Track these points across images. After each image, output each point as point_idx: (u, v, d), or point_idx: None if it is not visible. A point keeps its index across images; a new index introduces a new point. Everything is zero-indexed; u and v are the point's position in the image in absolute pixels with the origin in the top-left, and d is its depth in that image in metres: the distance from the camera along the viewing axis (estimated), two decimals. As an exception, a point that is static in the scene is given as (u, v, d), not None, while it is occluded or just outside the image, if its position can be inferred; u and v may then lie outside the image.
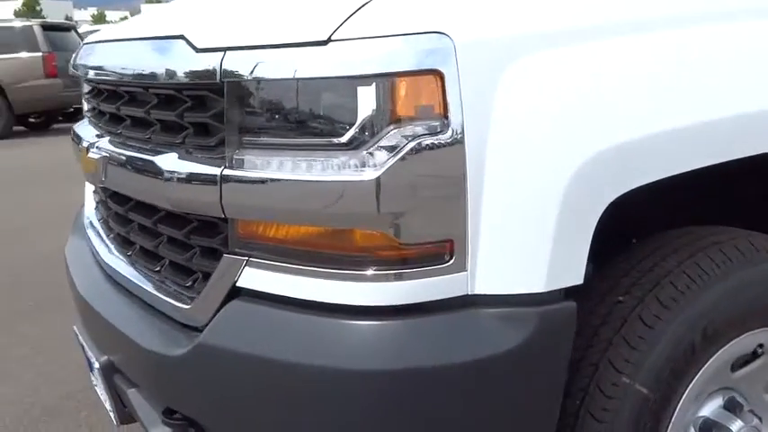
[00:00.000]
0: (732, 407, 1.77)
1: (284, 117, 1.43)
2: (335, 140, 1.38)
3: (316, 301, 1.44)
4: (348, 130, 1.37)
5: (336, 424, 1.41)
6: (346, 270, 1.41)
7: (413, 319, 1.39)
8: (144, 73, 1.73)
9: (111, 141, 1.96)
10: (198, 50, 1.56)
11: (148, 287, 1.81)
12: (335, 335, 1.41)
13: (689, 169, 1.49)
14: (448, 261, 1.39)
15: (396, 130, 1.35)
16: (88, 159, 2.00)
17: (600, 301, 1.66)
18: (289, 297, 1.47)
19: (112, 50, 1.95)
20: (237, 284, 1.53)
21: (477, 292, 1.40)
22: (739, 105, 1.53)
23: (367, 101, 1.35)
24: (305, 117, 1.41)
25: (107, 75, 1.90)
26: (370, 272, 1.40)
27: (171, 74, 1.63)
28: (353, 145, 1.37)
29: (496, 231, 1.39)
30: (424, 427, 1.40)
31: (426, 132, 1.34)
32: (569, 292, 1.45)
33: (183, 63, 1.59)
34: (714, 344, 1.64)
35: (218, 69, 1.49)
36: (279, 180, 1.43)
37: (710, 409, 1.77)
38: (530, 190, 1.38)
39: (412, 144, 1.34)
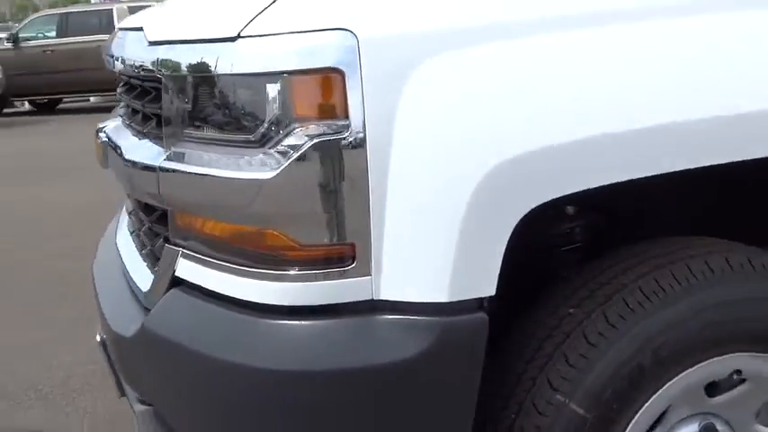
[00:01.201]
0: (709, 436, 1.64)
1: (207, 113, 1.45)
2: (248, 138, 1.38)
3: (232, 297, 1.45)
4: (257, 127, 1.36)
5: (238, 418, 1.43)
6: (256, 268, 1.41)
7: (314, 322, 1.37)
8: (121, 62, 1.79)
9: (115, 127, 2.04)
10: (149, 43, 1.60)
11: (131, 269, 1.89)
12: (242, 332, 1.42)
13: (618, 181, 1.38)
14: (350, 264, 1.36)
15: (297, 130, 1.33)
16: (96, 143, 2.10)
17: (552, 312, 1.58)
18: (212, 290, 1.49)
19: (117, 38, 2.03)
20: (176, 274, 1.57)
21: (381, 297, 1.37)
22: (687, 111, 1.39)
23: (271, 99, 1.34)
24: (223, 114, 1.42)
25: (113, 62, 1.98)
26: (276, 271, 1.39)
27: (133, 65, 1.68)
28: (261, 143, 1.36)
29: (400, 238, 1.34)
30: (320, 429, 1.39)
31: (326, 132, 1.32)
32: (488, 301, 1.38)
33: (140, 55, 1.64)
34: (671, 367, 1.51)
35: (156, 62, 1.52)
36: (198, 174, 1.45)
37: (686, 434, 1.64)
38: (433, 197, 1.32)
39: (310, 144, 1.31)
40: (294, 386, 1.37)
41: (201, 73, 1.42)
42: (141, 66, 1.64)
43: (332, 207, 1.34)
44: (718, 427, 1.65)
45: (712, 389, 1.64)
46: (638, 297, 1.50)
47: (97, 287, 2.02)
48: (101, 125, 2.13)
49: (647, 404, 1.52)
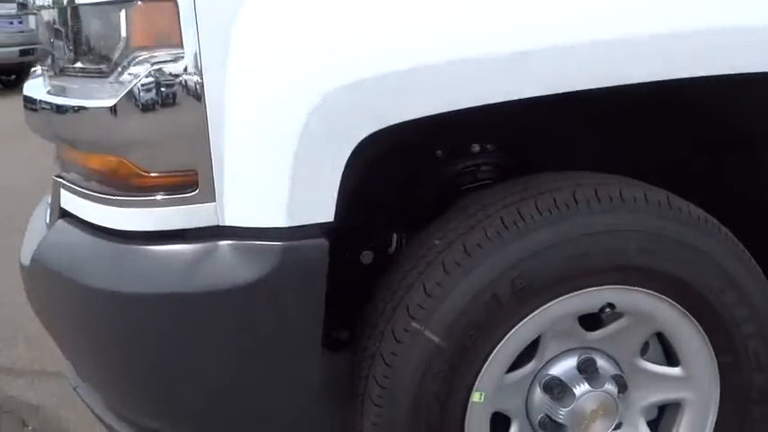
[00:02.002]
0: (586, 369, 1.63)
1: (70, 45, 1.49)
2: (101, 68, 1.42)
3: (98, 224, 1.50)
4: (108, 57, 1.40)
5: (101, 340, 1.49)
6: (113, 196, 1.46)
7: (164, 247, 1.42)
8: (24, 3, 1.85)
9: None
10: None
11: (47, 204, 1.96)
12: (103, 257, 1.47)
13: (442, 111, 1.37)
14: (194, 191, 1.39)
15: (138, 58, 1.36)
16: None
17: (423, 243, 1.59)
18: (81, 218, 1.55)
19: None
20: (62, 206, 1.63)
21: (226, 223, 1.40)
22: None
23: (116, 28, 1.38)
24: (82, 45, 1.46)
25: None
26: (128, 198, 1.44)
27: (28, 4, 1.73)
28: (110, 72, 1.40)
29: (239, 165, 1.37)
30: (168, 349, 1.44)
31: (163, 60, 1.35)
32: (333, 229, 1.40)
33: (30, -7, 1.69)
34: (531, 298, 1.51)
35: None
36: (65, 106, 1.50)
37: (564, 368, 1.64)
38: (268, 125, 1.34)
39: (147, 72, 1.35)
40: (143, 308, 1.42)
41: (60, 5, 1.46)
42: (29, 4, 1.69)
43: (170, 135, 1.37)
44: (599, 361, 1.65)
45: (592, 324, 1.64)
46: (497, 227, 1.50)
47: (29, 225, 2.10)
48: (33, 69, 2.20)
49: (509, 334, 1.53)
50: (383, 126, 1.34)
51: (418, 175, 1.98)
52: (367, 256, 1.81)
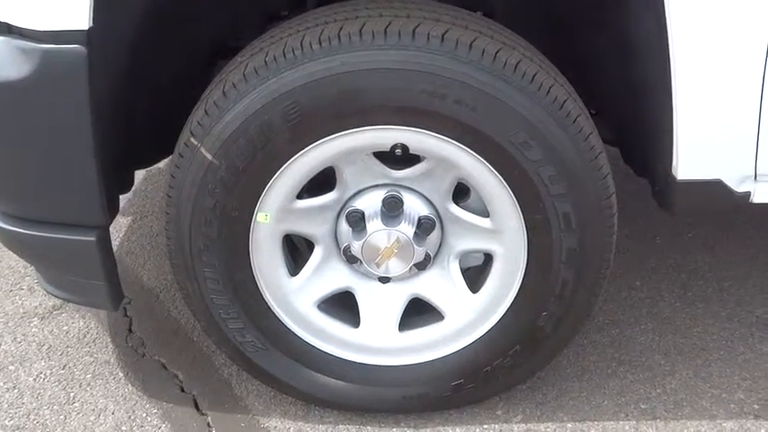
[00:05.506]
0: (390, 206, 1.62)
1: None
2: None
3: None
4: None
5: None
6: None
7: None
8: None
9: None
10: None
11: None
12: None
13: None
14: (-26, -13, 1.46)
15: None
16: None
17: (234, 61, 1.60)
18: None
19: None
20: None
21: (7, 21, 1.47)
22: None
23: None
24: None
25: None
26: None
27: None
28: None
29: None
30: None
31: None
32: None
33: None
34: (307, 129, 1.50)
35: None
36: None
37: (369, 202, 1.64)
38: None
39: None
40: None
41: None
42: None
43: None
44: (409, 201, 1.62)
45: (402, 163, 1.61)
46: (277, 52, 1.48)
47: None
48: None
49: (289, 162, 1.53)
50: None
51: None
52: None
